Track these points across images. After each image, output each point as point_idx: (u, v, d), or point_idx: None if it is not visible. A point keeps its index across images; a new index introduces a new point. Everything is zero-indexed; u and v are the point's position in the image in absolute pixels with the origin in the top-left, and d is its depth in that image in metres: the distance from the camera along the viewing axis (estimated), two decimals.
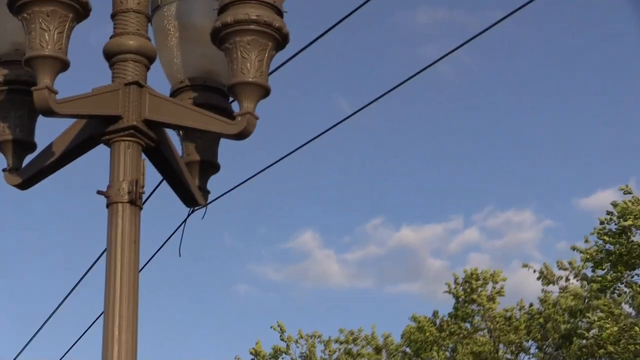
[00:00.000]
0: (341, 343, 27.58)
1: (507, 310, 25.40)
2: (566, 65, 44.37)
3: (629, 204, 19.79)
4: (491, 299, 25.29)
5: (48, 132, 4.47)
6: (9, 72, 4.35)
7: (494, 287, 25.51)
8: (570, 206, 45.25)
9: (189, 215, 4.52)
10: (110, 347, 3.89)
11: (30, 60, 3.90)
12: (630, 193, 20.18)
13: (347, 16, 5.47)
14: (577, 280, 24.88)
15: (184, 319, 43.68)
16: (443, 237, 44.26)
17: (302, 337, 27.83)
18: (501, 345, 25.44)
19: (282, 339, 27.82)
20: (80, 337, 8.13)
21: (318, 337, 27.82)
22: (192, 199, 4.44)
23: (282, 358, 27.99)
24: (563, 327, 24.31)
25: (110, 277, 3.99)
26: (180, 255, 4.56)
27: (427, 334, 25.62)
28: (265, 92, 4.09)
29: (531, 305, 25.58)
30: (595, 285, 21.53)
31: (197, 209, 4.51)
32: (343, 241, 52.41)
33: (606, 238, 20.29)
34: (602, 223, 20.41)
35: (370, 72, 46.09)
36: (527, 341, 25.43)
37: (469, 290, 25.36)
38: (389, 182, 45.93)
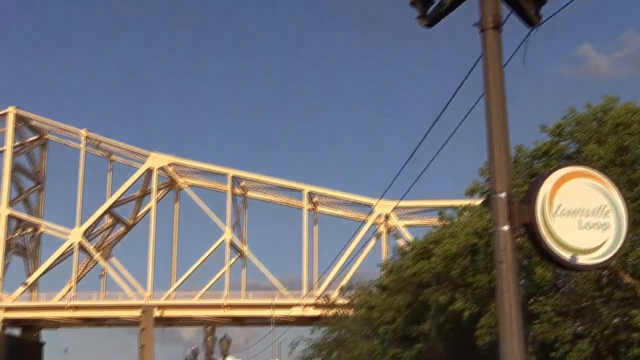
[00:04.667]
0: None
1: None
2: None
3: None
4: None
5: None
6: None
7: None
8: None
9: (529, 34, 7.12)
10: None
11: None
12: None
13: None
14: None
15: None
16: None
17: None
18: None
19: None
20: None
21: None
22: (530, 19, 7.01)
23: None
24: None
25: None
26: (524, 65, 7.24)
27: None
28: None
29: None
30: None
31: (537, 27, 7.07)
32: None
33: None
34: None
35: None
36: None
37: None
38: None
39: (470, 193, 31.92)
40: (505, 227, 7.20)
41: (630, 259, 25.17)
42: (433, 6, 7.21)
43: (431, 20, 7.22)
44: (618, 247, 7.87)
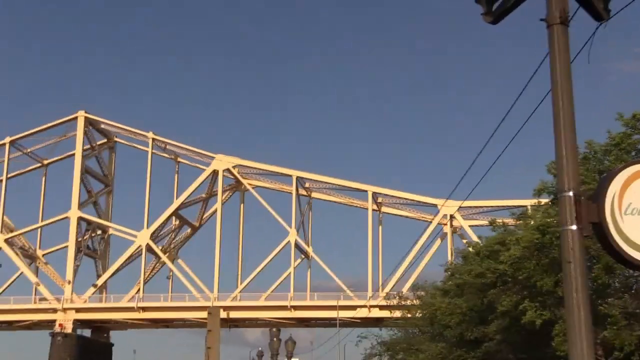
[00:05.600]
0: None
1: None
2: None
3: None
4: None
5: None
6: None
7: None
8: None
9: (597, 28, 6.99)
10: None
11: None
12: None
13: None
14: None
15: None
16: None
17: None
18: None
19: None
20: None
21: None
22: (598, 14, 6.89)
23: None
24: None
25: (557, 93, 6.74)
26: (589, 62, 7.16)
27: None
28: None
29: None
30: None
31: (604, 22, 6.95)
32: None
33: None
34: None
35: None
36: None
37: None
38: None
39: (538, 193, 31.44)
40: (573, 227, 7.07)
41: None
42: (498, 3, 7.13)
43: (496, 17, 7.14)
44: None
